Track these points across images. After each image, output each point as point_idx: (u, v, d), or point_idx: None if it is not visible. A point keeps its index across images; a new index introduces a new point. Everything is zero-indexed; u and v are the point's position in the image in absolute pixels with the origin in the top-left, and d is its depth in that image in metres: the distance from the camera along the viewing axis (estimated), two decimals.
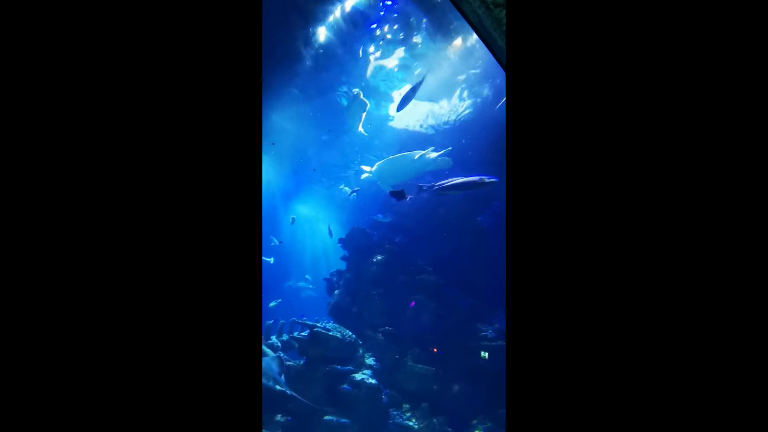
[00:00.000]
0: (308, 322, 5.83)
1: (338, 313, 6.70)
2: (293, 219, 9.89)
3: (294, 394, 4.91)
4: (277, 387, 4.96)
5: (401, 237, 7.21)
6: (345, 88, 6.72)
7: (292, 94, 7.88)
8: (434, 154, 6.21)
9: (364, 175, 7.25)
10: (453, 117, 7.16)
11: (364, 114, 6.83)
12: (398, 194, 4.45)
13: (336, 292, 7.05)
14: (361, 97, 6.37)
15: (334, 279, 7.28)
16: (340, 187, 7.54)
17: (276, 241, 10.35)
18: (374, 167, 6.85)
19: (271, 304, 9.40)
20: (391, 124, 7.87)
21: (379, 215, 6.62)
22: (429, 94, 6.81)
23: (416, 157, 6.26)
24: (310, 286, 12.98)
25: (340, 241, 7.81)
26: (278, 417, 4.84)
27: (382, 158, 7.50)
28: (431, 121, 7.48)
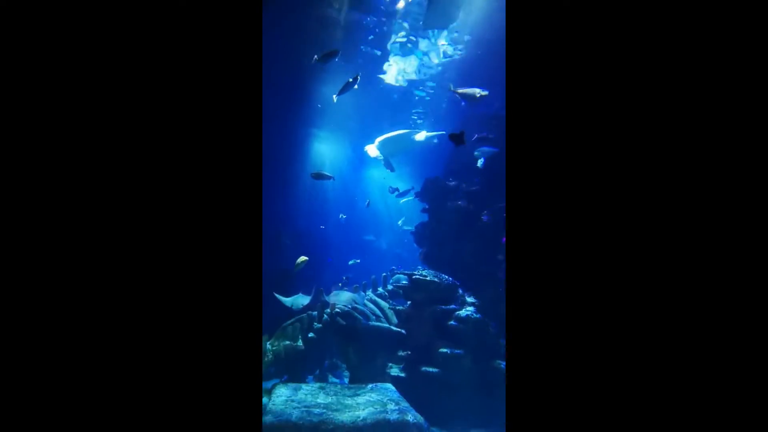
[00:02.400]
0: (406, 272, 6.31)
1: (431, 261, 7.10)
2: (368, 202, 10.45)
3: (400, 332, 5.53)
4: (393, 328, 5.64)
5: (478, 178, 7.10)
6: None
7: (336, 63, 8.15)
8: (425, 134, 7.33)
9: (368, 148, 7.85)
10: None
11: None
12: (457, 138, 4.21)
13: (424, 242, 7.42)
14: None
15: (420, 231, 7.63)
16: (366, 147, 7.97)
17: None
18: (377, 143, 7.64)
19: (351, 262, 10.17)
20: (383, 77, 8.41)
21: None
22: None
23: (414, 137, 7.38)
24: (372, 238, 13.87)
25: (417, 195, 8.02)
26: (400, 352, 5.54)
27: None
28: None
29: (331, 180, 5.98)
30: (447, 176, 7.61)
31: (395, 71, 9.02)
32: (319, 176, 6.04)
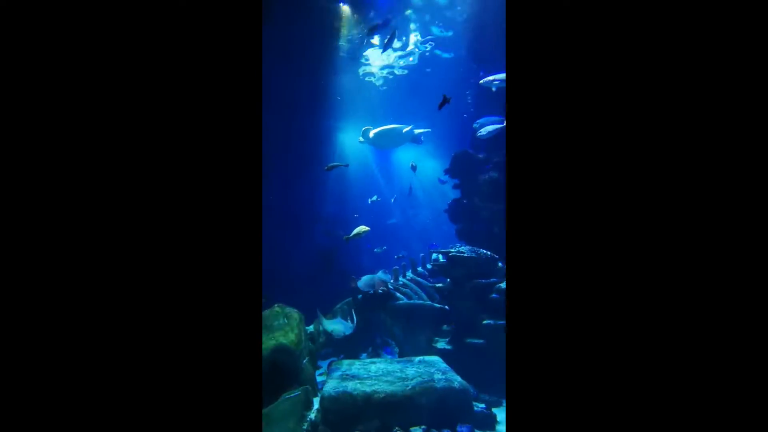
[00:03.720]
0: (442, 250, 6.43)
1: (468, 236, 7.13)
2: (394, 198, 10.78)
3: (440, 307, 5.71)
4: (435, 305, 5.85)
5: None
6: None
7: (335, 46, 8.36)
8: (414, 130, 7.67)
9: (360, 139, 8.21)
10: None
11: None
12: (441, 103, 4.15)
13: (458, 218, 7.45)
14: None
15: (453, 207, 7.65)
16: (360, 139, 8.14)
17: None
18: (371, 134, 7.97)
19: (377, 250, 10.22)
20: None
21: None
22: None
23: (404, 131, 7.75)
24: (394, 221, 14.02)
25: (446, 171, 8.00)
26: (444, 327, 5.76)
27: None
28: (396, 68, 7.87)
29: (347, 167, 6.02)
30: (475, 149, 7.49)
31: (394, 58, 9.12)
32: (333, 167, 6.02)
